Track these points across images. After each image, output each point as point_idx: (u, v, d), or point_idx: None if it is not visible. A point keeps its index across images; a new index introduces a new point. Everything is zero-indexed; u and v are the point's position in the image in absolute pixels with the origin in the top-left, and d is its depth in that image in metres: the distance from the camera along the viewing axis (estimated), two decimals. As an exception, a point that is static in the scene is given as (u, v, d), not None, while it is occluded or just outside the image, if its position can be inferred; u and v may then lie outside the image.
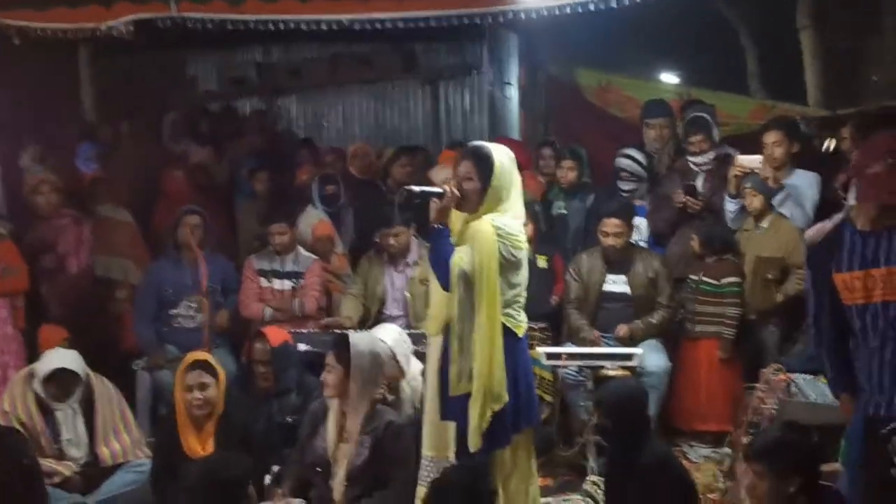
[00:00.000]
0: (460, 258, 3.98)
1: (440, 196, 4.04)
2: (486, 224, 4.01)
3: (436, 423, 4.18)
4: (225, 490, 3.32)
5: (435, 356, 4.17)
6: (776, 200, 5.84)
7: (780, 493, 3.46)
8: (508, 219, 4.07)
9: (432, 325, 4.22)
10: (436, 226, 4.04)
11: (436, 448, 4.18)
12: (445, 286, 4.02)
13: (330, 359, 4.56)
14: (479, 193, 4.06)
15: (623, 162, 6.61)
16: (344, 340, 4.57)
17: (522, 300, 4.22)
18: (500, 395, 4.02)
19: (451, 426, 4.11)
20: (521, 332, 4.18)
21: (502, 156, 4.10)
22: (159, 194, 7.76)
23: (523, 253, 4.15)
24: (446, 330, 4.10)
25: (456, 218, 4.13)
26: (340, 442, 4.54)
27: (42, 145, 7.76)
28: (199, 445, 4.64)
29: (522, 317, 4.21)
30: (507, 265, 4.04)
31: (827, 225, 4.74)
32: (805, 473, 3.49)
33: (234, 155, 8.41)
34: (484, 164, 4.05)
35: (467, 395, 4.01)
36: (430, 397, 4.21)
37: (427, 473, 4.16)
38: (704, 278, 6.00)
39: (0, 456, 4.32)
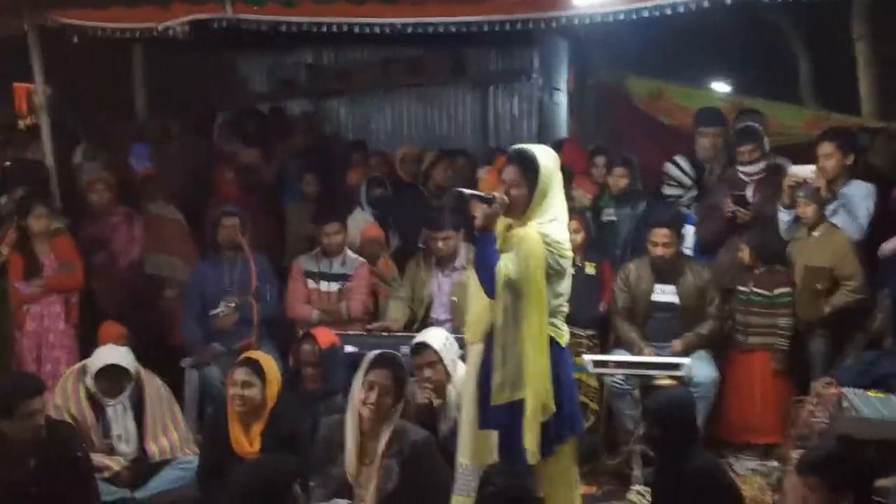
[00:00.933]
0: (506, 265, 3.92)
1: (489, 202, 3.99)
2: (532, 232, 3.97)
3: (473, 431, 4.14)
4: (272, 492, 3.33)
5: (474, 364, 4.14)
6: (829, 210, 5.78)
7: None
8: (554, 226, 4.02)
9: (472, 332, 4.18)
10: (482, 232, 3.99)
11: (473, 456, 4.14)
12: (490, 293, 3.97)
13: (386, 379, 4.39)
14: (525, 199, 4.02)
15: (668, 167, 6.63)
16: (395, 360, 4.50)
17: (566, 310, 4.19)
18: (547, 405, 3.99)
19: (490, 435, 4.07)
20: (564, 342, 4.14)
21: (547, 159, 4.05)
22: (210, 193, 7.82)
23: (568, 262, 4.11)
24: (487, 338, 4.07)
25: (499, 223, 4.09)
26: (362, 465, 4.42)
27: (94, 143, 7.89)
28: (247, 443, 4.67)
29: (565, 327, 4.18)
30: (553, 273, 4.01)
31: None
32: (858, 488, 3.44)
33: (282, 156, 8.47)
34: (530, 168, 4.01)
35: (510, 404, 3.98)
36: (468, 405, 4.18)
37: (463, 482, 4.12)
38: (755, 289, 5.94)
39: (53, 448, 4.42)
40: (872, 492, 3.57)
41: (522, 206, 4.02)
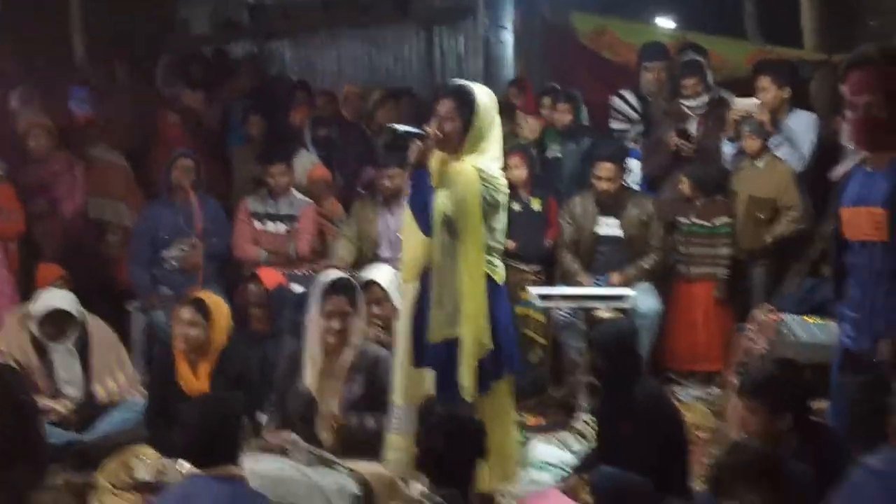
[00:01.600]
0: (443, 202, 3.89)
1: (422, 137, 3.92)
2: (468, 167, 3.92)
3: (408, 370, 4.14)
4: (220, 427, 3.33)
5: (409, 303, 4.11)
6: (773, 143, 5.84)
7: (772, 428, 3.47)
8: (488, 161, 3.99)
9: (407, 270, 4.14)
10: (416, 168, 3.94)
11: (406, 395, 4.13)
12: (426, 230, 3.93)
13: (345, 305, 4.45)
14: (460, 134, 3.95)
15: (615, 102, 6.67)
16: (349, 285, 4.54)
17: (501, 246, 4.18)
18: (484, 342, 4.00)
19: (424, 374, 4.07)
20: (499, 279, 4.13)
21: (484, 96, 4.00)
22: (153, 137, 7.70)
23: (504, 197, 4.08)
24: (422, 276, 4.05)
25: (434, 160, 4.01)
26: (326, 380, 4.49)
27: (32, 87, 7.70)
28: (195, 382, 4.66)
29: (501, 263, 4.17)
30: (489, 209, 3.97)
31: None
32: (796, 410, 3.51)
33: (226, 98, 8.36)
34: (465, 103, 3.95)
35: (446, 342, 3.99)
36: (403, 344, 4.15)
37: (398, 422, 4.13)
38: (696, 220, 6.02)
39: (-3, 391, 4.38)
40: (811, 412, 3.64)
41: (456, 142, 3.96)
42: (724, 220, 5.96)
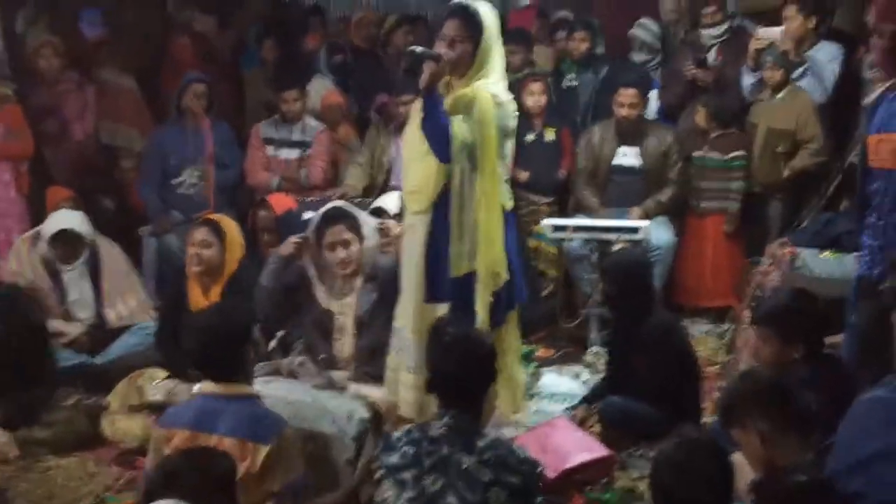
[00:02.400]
0: (460, 128, 3.75)
1: (437, 59, 3.75)
2: (485, 92, 3.79)
3: (418, 304, 3.99)
4: (231, 335, 3.30)
5: (421, 235, 3.93)
6: (796, 74, 5.73)
7: (784, 357, 3.46)
8: (494, 84, 3.85)
9: (417, 201, 3.93)
10: (429, 92, 3.74)
11: (420, 332, 3.93)
12: (445, 157, 3.78)
13: (346, 234, 4.42)
14: (469, 56, 3.81)
15: (636, 32, 6.51)
16: (343, 212, 4.50)
17: (507, 173, 4.09)
18: (501, 273, 3.93)
19: (437, 309, 3.95)
20: (508, 207, 4.03)
21: (489, 15, 3.86)
22: (165, 61, 7.61)
23: (515, 122, 3.98)
24: (434, 207, 3.90)
25: (443, 84, 3.87)
26: (341, 298, 4.48)
27: (37, 7, 7.60)
28: (205, 304, 4.64)
29: (508, 190, 4.07)
30: (502, 137, 3.87)
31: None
32: (809, 340, 3.49)
33: (239, 23, 8.24)
34: (473, 23, 3.81)
35: (463, 276, 3.91)
36: (415, 279, 3.98)
37: (411, 358, 4.00)
38: (710, 153, 5.94)
39: (7, 313, 4.39)
40: (824, 345, 3.61)
41: (466, 64, 3.83)
42: (738, 153, 5.88)
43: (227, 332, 3.28)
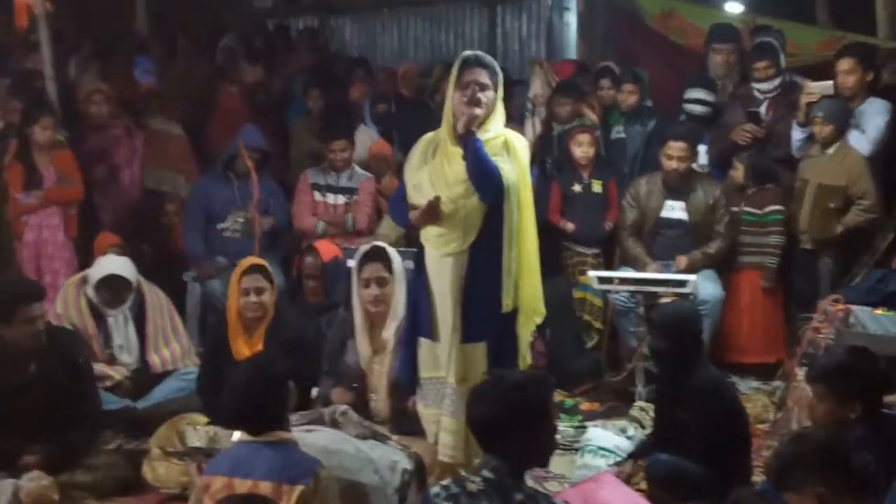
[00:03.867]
0: (503, 169, 3.84)
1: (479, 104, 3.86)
2: (518, 135, 4.03)
3: (458, 348, 3.95)
4: (267, 389, 3.30)
5: (454, 275, 3.92)
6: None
7: (840, 416, 3.37)
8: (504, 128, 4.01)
9: (452, 241, 3.92)
10: (470, 135, 3.82)
11: (459, 375, 3.95)
12: (494, 197, 3.84)
13: (383, 272, 4.50)
14: (493, 103, 3.92)
15: (692, 108, 6.40)
16: (384, 251, 4.57)
17: None
18: (542, 310, 4.07)
19: (477, 349, 3.95)
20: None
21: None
22: (212, 109, 7.72)
23: None
24: (471, 246, 3.92)
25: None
26: (374, 354, 4.54)
27: (89, 55, 7.76)
28: (248, 350, 4.63)
29: None
30: None
31: None
32: (866, 399, 3.39)
33: (286, 73, 8.36)
34: (494, 72, 3.94)
35: (501, 315, 3.93)
36: (451, 321, 3.95)
37: (451, 403, 3.95)
38: (746, 208, 5.94)
39: (54, 353, 4.41)
40: (882, 405, 3.51)
41: (491, 110, 3.92)
42: (774, 207, 5.88)
43: (263, 387, 3.29)
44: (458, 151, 3.88)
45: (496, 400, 2.85)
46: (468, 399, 2.97)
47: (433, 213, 3.87)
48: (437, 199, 3.85)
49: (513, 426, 2.84)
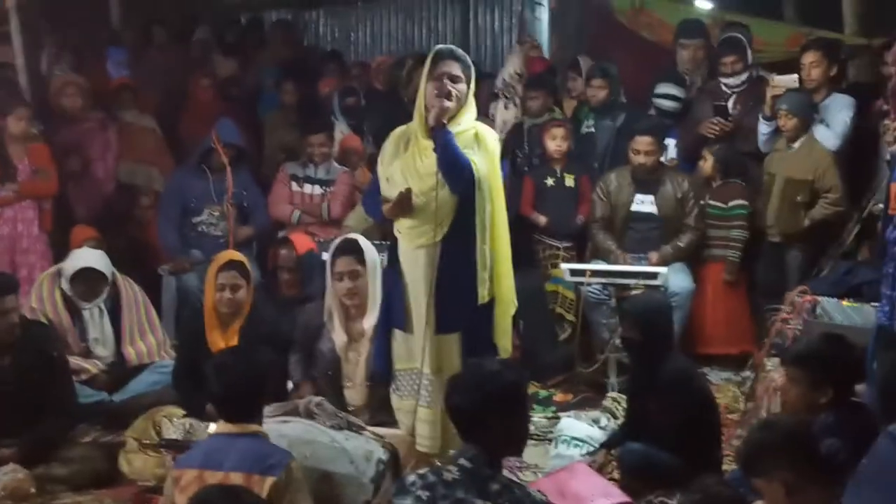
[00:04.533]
0: (475, 162, 3.88)
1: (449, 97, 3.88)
2: (488, 128, 4.07)
3: (432, 339, 4.00)
4: (245, 381, 3.32)
5: (427, 267, 3.95)
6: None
7: (811, 401, 3.39)
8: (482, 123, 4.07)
9: (424, 234, 3.94)
10: (441, 128, 3.85)
11: (434, 365, 4.02)
12: (465, 189, 3.87)
13: (355, 265, 4.56)
14: (465, 96, 3.96)
15: (661, 103, 6.47)
16: (356, 244, 4.63)
17: None
18: (515, 301, 4.14)
19: (450, 340, 4.01)
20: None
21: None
22: (185, 102, 7.70)
23: None
24: (444, 239, 3.95)
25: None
26: (350, 343, 4.60)
27: (60, 47, 7.71)
28: (223, 343, 4.64)
29: None
30: None
31: None
32: (839, 386, 3.41)
33: (259, 66, 8.35)
34: (467, 65, 3.98)
35: (475, 306, 3.99)
36: (426, 312, 3.98)
37: (427, 394, 4.02)
38: (711, 201, 6.02)
39: (28, 346, 4.41)
40: (852, 393, 3.52)
41: (462, 104, 3.96)
42: (738, 202, 5.97)
43: (251, 375, 3.32)
44: (429, 144, 3.91)
45: (474, 389, 2.90)
46: (446, 389, 3.02)
47: (404, 205, 3.90)
48: (409, 191, 3.89)
49: (491, 415, 2.88)
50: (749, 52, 6.31)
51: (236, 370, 3.32)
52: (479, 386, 2.90)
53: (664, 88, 6.49)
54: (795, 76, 5.85)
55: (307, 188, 6.52)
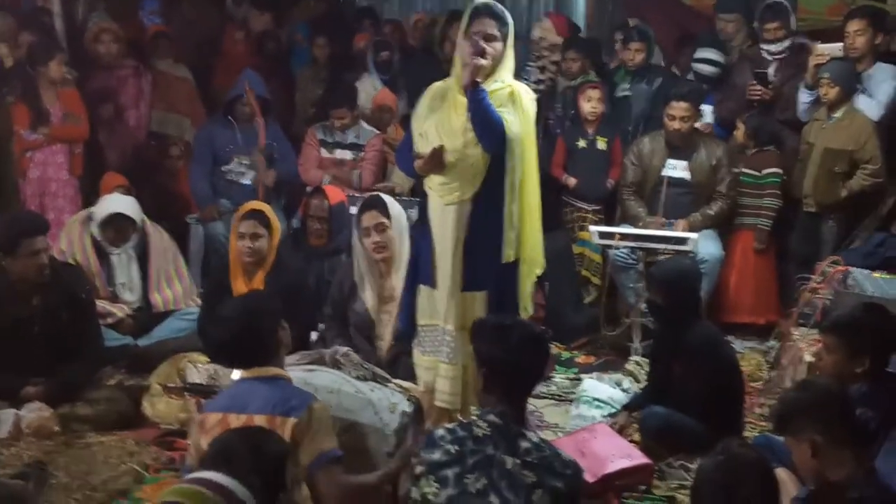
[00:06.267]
0: (508, 121, 3.81)
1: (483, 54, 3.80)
2: (524, 87, 3.98)
3: (458, 296, 3.97)
4: (258, 324, 3.31)
5: (457, 224, 3.91)
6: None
7: (846, 369, 3.36)
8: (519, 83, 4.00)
9: (456, 191, 3.90)
10: (475, 86, 3.75)
11: (458, 323, 3.98)
12: (497, 147, 3.81)
13: (381, 218, 4.56)
14: (501, 54, 3.89)
15: (701, 68, 6.38)
16: (381, 200, 4.64)
17: None
18: (542, 261, 4.09)
19: (476, 297, 3.98)
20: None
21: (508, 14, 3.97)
22: (219, 55, 7.69)
23: None
24: (475, 196, 3.91)
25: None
26: (382, 304, 4.61)
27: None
28: (248, 291, 4.65)
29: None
30: None
31: None
32: (875, 356, 3.38)
33: (293, 21, 8.31)
34: (504, 22, 3.90)
35: (506, 263, 3.95)
36: (453, 269, 3.95)
37: (450, 350, 4.00)
38: (745, 169, 5.96)
39: (57, 287, 4.44)
40: (888, 363, 3.47)
41: (497, 62, 3.89)
42: (773, 170, 5.91)
43: (255, 322, 3.30)
44: (464, 101, 3.84)
45: (517, 346, 2.96)
46: (474, 338, 3.03)
47: (436, 161, 3.86)
48: (441, 147, 3.85)
49: (526, 371, 2.97)
50: (792, 18, 6.19)
51: (230, 318, 3.32)
52: (517, 340, 2.97)
53: (704, 53, 6.40)
54: (840, 45, 5.72)
55: (337, 153, 6.50)
